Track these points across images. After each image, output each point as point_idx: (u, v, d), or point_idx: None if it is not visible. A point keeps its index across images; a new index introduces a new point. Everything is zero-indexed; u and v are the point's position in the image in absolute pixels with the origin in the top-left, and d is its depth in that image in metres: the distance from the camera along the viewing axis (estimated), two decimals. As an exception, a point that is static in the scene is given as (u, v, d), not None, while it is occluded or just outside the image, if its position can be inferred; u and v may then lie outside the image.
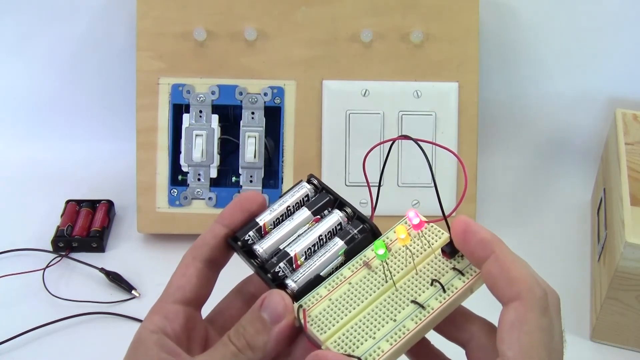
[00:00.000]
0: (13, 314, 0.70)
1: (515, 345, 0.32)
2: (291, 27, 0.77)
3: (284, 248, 0.39)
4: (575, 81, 0.89)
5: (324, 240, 0.39)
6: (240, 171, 0.78)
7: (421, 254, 0.38)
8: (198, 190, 0.78)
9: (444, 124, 0.77)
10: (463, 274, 0.37)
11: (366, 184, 0.40)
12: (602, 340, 0.68)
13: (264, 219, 0.40)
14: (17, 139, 0.93)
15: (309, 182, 0.42)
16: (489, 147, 0.91)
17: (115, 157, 0.91)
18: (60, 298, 0.72)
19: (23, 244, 0.78)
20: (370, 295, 0.37)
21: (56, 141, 0.94)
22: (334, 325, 0.36)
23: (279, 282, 0.38)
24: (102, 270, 0.75)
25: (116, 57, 0.89)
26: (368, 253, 0.39)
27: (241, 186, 0.78)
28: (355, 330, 0.36)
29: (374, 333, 0.35)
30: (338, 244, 0.39)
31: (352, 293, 0.37)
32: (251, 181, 0.78)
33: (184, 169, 0.78)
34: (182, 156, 0.78)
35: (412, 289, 0.37)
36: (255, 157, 0.77)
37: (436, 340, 0.39)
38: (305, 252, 0.39)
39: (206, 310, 0.41)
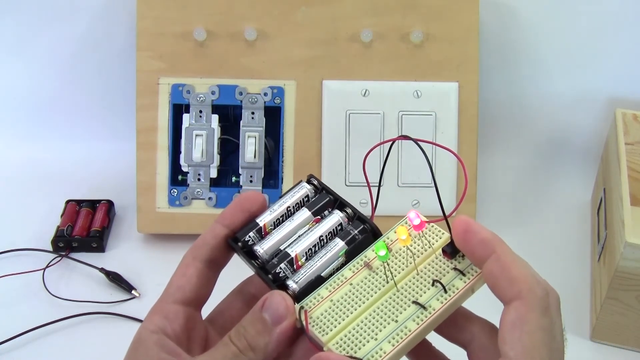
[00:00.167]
0: (13, 314, 0.70)
1: (517, 345, 0.32)
2: (291, 27, 0.77)
3: (284, 249, 0.39)
4: (575, 81, 0.89)
5: (325, 240, 0.39)
6: (240, 171, 0.78)
7: (422, 254, 0.38)
8: (198, 190, 0.78)
9: (444, 124, 0.77)
10: (464, 274, 0.37)
11: (366, 184, 0.40)
12: (602, 340, 0.68)
13: (264, 220, 0.40)
14: (17, 139, 0.93)
15: (308, 182, 0.42)
16: (489, 147, 0.91)
17: (115, 157, 0.91)
18: (60, 298, 0.72)
19: (23, 244, 0.78)
20: (372, 296, 0.37)
21: (56, 141, 0.94)
22: (335, 327, 0.36)
23: (280, 283, 0.38)
24: (102, 270, 0.75)
25: (116, 57, 0.89)
26: (369, 253, 0.39)
27: (241, 186, 0.78)
28: (357, 332, 0.36)
29: (376, 334, 0.35)
30: (339, 244, 0.39)
31: (354, 294, 0.37)
32: (251, 181, 0.78)
33: (184, 169, 0.78)
34: (182, 156, 0.78)
35: (413, 290, 0.37)
36: (255, 157, 0.77)
37: (437, 341, 0.39)
38: (306, 252, 0.39)
39: (207, 310, 0.41)
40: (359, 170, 0.77)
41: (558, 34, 0.87)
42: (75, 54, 0.90)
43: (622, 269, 0.62)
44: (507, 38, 0.87)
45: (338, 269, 0.38)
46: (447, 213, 0.37)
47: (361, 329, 0.36)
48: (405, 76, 0.77)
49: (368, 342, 0.35)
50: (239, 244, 0.39)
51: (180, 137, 0.78)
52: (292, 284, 0.37)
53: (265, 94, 0.77)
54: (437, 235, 0.39)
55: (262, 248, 0.39)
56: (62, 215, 0.81)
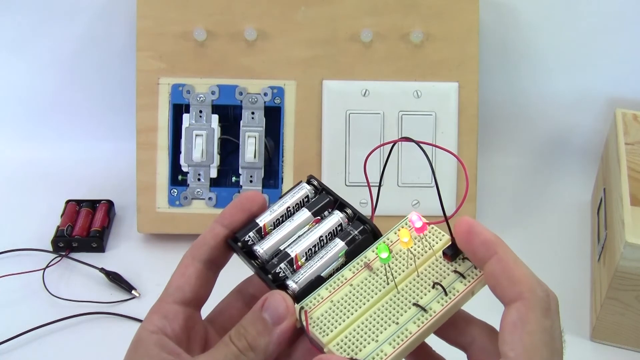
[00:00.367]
0: (13, 314, 0.70)
1: (518, 346, 0.32)
2: (291, 27, 0.77)
3: (284, 249, 0.39)
4: (575, 81, 0.89)
5: (325, 241, 0.39)
6: (240, 171, 0.78)
7: (422, 255, 0.38)
8: (198, 190, 0.78)
9: (444, 124, 0.77)
10: (464, 277, 0.37)
11: (366, 184, 0.40)
12: (602, 340, 0.68)
13: (264, 220, 0.40)
14: (17, 139, 0.93)
15: (308, 182, 0.42)
16: (489, 147, 0.91)
17: (115, 157, 0.91)
18: (60, 298, 0.72)
19: (23, 244, 0.78)
20: (372, 297, 0.37)
21: (56, 141, 0.94)
22: (336, 328, 0.36)
23: (280, 283, 0.38)
24: (102, 270, 0.75)
25: (116, 57, 0.89)
26: (369, 254, 0.39)
27: (241, 186, 0.78)
28: (358, 333, 0.36)
29: (377, 336, 0.35)
30: (339, 245, 0.39)
31: (354, 295, 0.37)
32: (251, 181, 0.78)
33: (184, 169, 0.78)
34: (182, 156, 0.78)
35: (414, 292, 0.37)
36: (255, 157, 0.77)
37: (437, 345, 0.39)
38: (306, 253, 0.39)
39: (206, 310, 0.41)
40: (359, 171, 0.77)
41: (558, 34, 0.87)
42: (75, 54, 0.90)
43: (622, 269, 0.62)
44: (507, 38, 0.87)
45: (338, 269, 0.38)
46: (447, 214, 0.37)
47: (362, 330, 0.36)
48: (405, 76, 0.77)
49: (369, 343, 0.35)
50: (239, 244, 0.39)
51: (180, 137, 0.78)
52: (292, 284, 0.37)
53: (265, 94, 0.77)
54: (437, 237, 0.39)
55: (262, 248, 0.39)
56: (62, 215, 0.81)
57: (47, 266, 0.76)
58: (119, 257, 0.78)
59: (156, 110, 0.77)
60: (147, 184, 0.78)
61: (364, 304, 0.37)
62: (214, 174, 0.78)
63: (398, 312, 0.36)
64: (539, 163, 0.93)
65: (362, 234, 0.39)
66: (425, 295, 0.37)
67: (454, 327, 0.37)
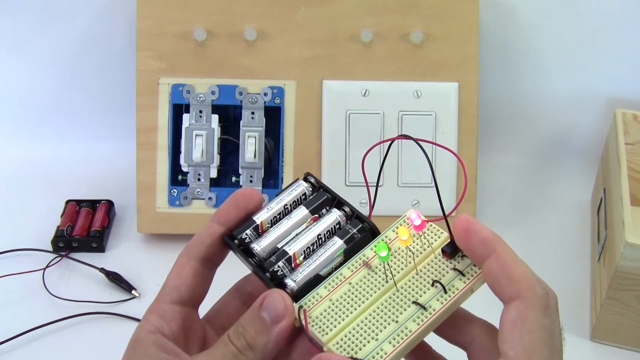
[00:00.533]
0: (13, 314, 0.70)
1: (517, 344, 0.32)
2: (291, 27, 0.77)
3: (282, 247, 0.39)
4: (575, 81, 0.89)
5: (323, 239, 0.39)
6: (240, 171, 0.78)
7: (421, 253, 0.38)
8: (198, 190, 0.78)
9: (444, 124, 0.77)
10: (464, 275, 0.37)
11: (365, 182, 0.40)
12: (602, 340, 0.68)
13: (261, 217, 0.40)
14: (17, 139, 0.93)
15: (305, 180, 0.42)
16: (489, 147, 0.91)
17: (115, 157, 0.91)
18: (60, 298, 0.72)
19: (23, 244, 0.78)
20: (371, 295, 0.37)
21: (56, 141, 0.94)
22: (335, 327, 0.36)
23: (278, 282, 0.37)
24: (102, 270, 0.75)
25: (116, 57, 0.89)
26: (367, 252, 0.39)
27: (241, 186, 0.78)
28: (357, 332, 0.35)
29: (376, 335, 0.35)
30: (337, 243, 0.39)
31: (353, 293, 0.37)
32: (251, 181, 0.78)
33: (184, 169, 0.78)
34: (182, 156, 0.78)
35: (413, 290, 0.37)
36: (255, 157, 0.77)
37: (437, 344, 0.39)
38: (304, 251, 0.38)
39: (204, 309, 0.41)
40: (359, 170, 0.77)
41: (558, 34, 0.87)
42: (75, 54, 0.90)
43: (622, 269, 0.62)
44: (507, 38, 0.87)
45: (336, 267, 0.38)
46: (446, 213, 0.37)
47: (361, 329, 0.36)
48: (405, 76, 0.77)
49: (369, 342, 0.35)
50: (236, 241, 0.39)
51: (180, 137, 0.78)
52: (291, 283, 0.37)
53: (265, 94, 0.77)
54: (436, 235, 0.39)
55: (260, 246, 0.39)
56: (62, 215, 0.81)
57: (47, 266, 0.76)
58: (119, 257, 0.78)
59: (156, 110, 0.77)
60: (147, 184, 0.78)
61: (363, 303, 0.36)
62: (214, 174, 0.78)
63: (397, 311, 0.36)
64: (539, 163, 0.93)
65: (360, 232, 0.39)
66: (425, 293, 0.36)
67: (454, 325, 0.37)
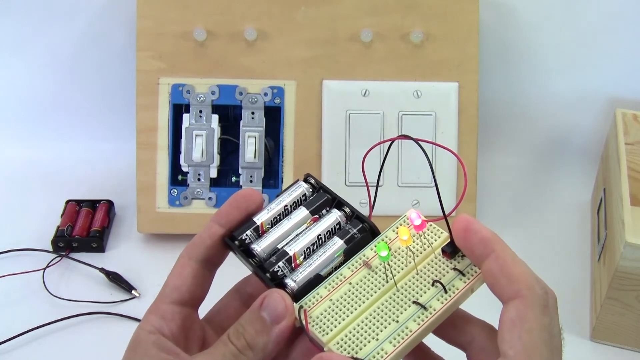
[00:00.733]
0: (13, 314, 0.70)
1: (517, 344, 0.32)
2: (291, 27, 0.77)
3: (282, 247, 0.39)
4: (575, 81, 0.89)
5: (323, 239, 0.39)
6: (240, 171, 0.78)
7: (421, 253, 0.38)
8: (198, 190, 0.78)
9: (444, 124, 0.77)
10: (464, 274, 0.37)
11: (365, 182, 0.40)
12: (602, 340, 0.68)
13: (261, 218, 0.40)
14: (17, 139, 0.93)
15: (306, 181, 0.42)
16: (489, 147, 0.91)
17: (115, 157, 0.91)
18: (60, 298, 0.72)
19: (23, 244, 0.78)
20: (371, 295, 0.37)
21: (56, 141, 0.94)
22: (335, 327, 0.36)
23: (278, 282, 0.37)
24: (102, 270, 0.75)
25: (116, 57, 0.89)
26: (367, 252, 0.38)
27: (241, 186, 0.78)
28: (358, 332, 0.35)
29: (377, 334, 0.35)
30: (337, 243, 0.39)
31: (353, 293, 0.37)
32: (251, 181, 0.78)
33: (184, 169, 0.78)
34: (182, 156, 0.78)
35: (413, 290, 0.37)
36: (255, 157, 0.77)
37: (436, 345, 0.39)
38: (304, 251, 0.38)
39: (204, 309, 0.41)
40: (359, 170, 0.77)
41: (558, 34, 0.87)
42: (75, 54, 0.90)
43: (622, 269, 0.62)
44: (507, 38, 0.87)
45: (336, 267, 0.38)
46: (446, 213, 0.37)
47: (362, 329, 0.36)
48: (405, 76, 0.77)
49: (369, 342, 0.35)
50: (236, 242, 0.39)
51: (180, 137, 0.78)
52: (291, 283, 0.37)
53: (265, 94, 0.77)
54: (436, 235, 0.39)
55: (260, 247, 0.39)
56: (62, 215, 0.81)
57: (47, 266, 0.76)
58: (119, 257, 0.78)
59: (156, 110, 0.77)
60: (147, 184, 0.78)
61: (364, 303, 0.36)
62: (214, 174, 0.78)
63: (398, 310, 0.36)
64: (539, 163, 0.93)
65: (360, 232, 0.39)
66: (425, 293, 0.36)
67: (453, 326, 0.37)
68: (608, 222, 0.71)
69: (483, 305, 0.39)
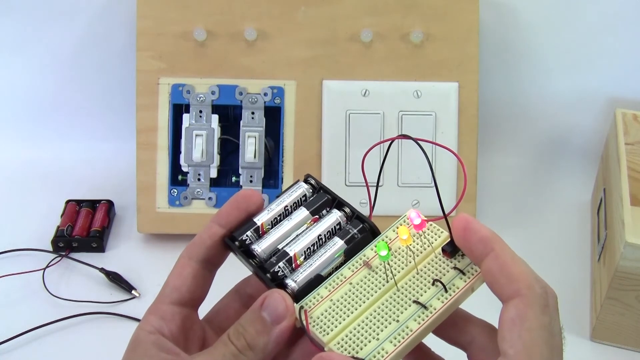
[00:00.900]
0: (13, 314, 0.70)
1: (517, 343, 0.32)
2: (291, 27, 0.77)
3: (282, 248, 0.39)
4: (575, 81, 0.89)
5: (324, 239, 0.39)
6: (240, 171, 0.78)
7: (421, 253, 0.38)
8: (198, 190, 0.78)
9: (444, 124, 0.77)
10: (464, 274, 0.37)
11: (365, 183, 0.40)
12: (602, 340, 0.68)
13: (261, 219, 0.40)
14: (17, 139, 0.93)
15: (306, 181, 0.42)
16: (489, 147, 0.91)
17: (115, 157, 0.91)
18: (60, 298, 0.72)
19: (23, 244, 0.78)
20: (372, 295, 0.37)
21: (56, 141, 0.94)
22: (336, 327, 0.36)
23: (279, 282, 0.37)
24: (102, 270, 0.75)
25: (116, 57, 0.89)
26: (367, 252, 0.39)
27: (241, 186, 0.78)
28: (359, 332, 0.35)
29: (377, 334, 0.35)
30: (338, 243, 0.39)
31: (353, 293, 0.37)
32: (251, 181, 0.78)
33: (184, 169, 0.78)
34: (182, 156, 0.78)
35: (414, 289, 0.37)
36: (255, 157, 0.77)
37: (436, 345, 0.39)
38: (304, 251, 0.38)
39: (203, 310, 0.41)
40: (359, 171, 0.77)
41: (558, 34, 0.87)
42: (75, 54, 0.90)
43: (622, 269, 0.62)
44: (507, 38, 0.87)
45: (337, 268, 0.38)
46: (446, 212, 0.37)
47: (362, 328, 0.36)
48: (405, 76, 0.77)
49: (369, 342, 0.35)
50: (236, 243, 0.39)
51: (180, 137, 0.78)
52: (291, 283, 0.37)
53: (265, 94, 0.77)
54: (436, 234, 0.39)
55: (260, 247, 0.39)
56: (62, 215, 0.81)
57: (47, 266, 0.76)
58: (119, 257, 0.78)
59: (156, 110, 0.77)
60: (147, 184, 0.78)
61: (364, 302, 0.36)
62: (214, 174, 0.78)
63: (398, 310, 0.36)
64: (539, 163, 0.93)
65: (361, 232, 0.39)
66: (425, 292, 0.36)
67: (454, 326, 0.37)
68: (608, 222, 0.71)
69: (483, 305, 0.39)
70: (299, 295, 0.37)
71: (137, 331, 0.37)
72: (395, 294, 0.37)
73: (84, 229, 0.79)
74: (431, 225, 0.39)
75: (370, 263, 0.38)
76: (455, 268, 0.37)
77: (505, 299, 0.34)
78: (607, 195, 0.75)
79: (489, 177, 0.89)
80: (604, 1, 0.84)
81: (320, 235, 0.39)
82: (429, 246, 0.38)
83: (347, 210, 0.40)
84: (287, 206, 0.41)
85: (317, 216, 0.40)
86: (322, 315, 0.36)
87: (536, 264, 0.37)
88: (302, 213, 0.40)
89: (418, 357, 0.39)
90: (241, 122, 0.78)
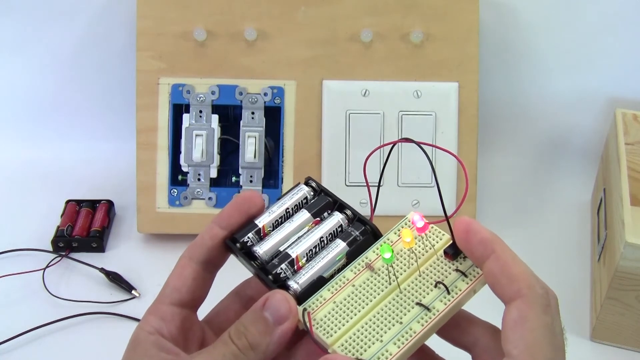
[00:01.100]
0: (13, 314, 0.70)
1: (520, 343, 0.32)
2: (291, 27, 0.77)
3: (284, 250, 0.39)
4: (575, 81, 0.89)
5: (325, 242, 0.39)
6: (240, 171, 0.78)
7: (423, 255, 0.38)
8: (198, 190, 0.78)
9: (444, 124, 0.77)
10: (466, 275, 0.37)
11: (366, 185, 0.40)
12: (602, 340, 0.68)
13: (263, 221, 0.40)
14: (17, 139, 0.93)
15: (307, 184, 0.42)
16: (489, 147, 0.91)
17: (115, 157, 0.91)
18: (60, 298, 0.72)
19: (23, 244, 0.78)
20: (375, 297, 0.37)
21: (56, 141, 0.94)
22: (339, 329, 0.36)
23: (281, 284, 0.37)
24: (102, 270, 0.75)
25: (116, 57, 0.89)
26: (370, 255, 0.39)
27: (241, 186, 0.78)
28: (362, 334, 0.35)
29: (381, 336, 0.35)
30: (340, 245, 0.39)
31: (356, 295, 0.37)
32: (251, 181, 0.78)
33: (184, 169, 0.78)
34: (182, 156, 0.78)
35: (416, 291, 0.37)
36: (255, 157, 0.77)
37: (440, 349, 0.39)
38: (306, 253, 0.38)
39: (203, 311, 0.41)
40: (359, 171, 0.77)
41: (558, 34, 0.87)
42: (75, 54, 0.90)
43: (622, 269, 0.62)
44: (507, 38, 0.87)
45: (339, 270, 0.38)
46: (448, 214, 0.37)
47: (366, 330, 0.36)
48: (405, 76, 0.77)
49: (373, 344, 0.35)
50: (238, 245, 0.39)
51: (180, 137, 0.78)
52: (294, 285, 0.37)
53: (265, 94, 0.77)
54: (437, 237, 0.39)
55: (262, 249, 0.39)
56: (62, 215, 0.81)
57: (47, 266, 0.76)
58: (119, 257, 0.78)
59: (156, 110, 0.77)
60: (147, 184, 0.78)
61: (367, 305, 0.36)
62: (214, 174, 0.78)
63: (401, 312, 0.36)
64: (539, 163, 0.93)
65: (363, 234, 0.39)
66: (428, 294, 0.37)
67: (457, 327, 0.37)
68: (608, 222, 0.71)
69: (485, 308, 0.39)
70: (301, 297, 0.37)
71: (137, 331, 0.36)
72: (398, 296, 0.37)
73: (84, 229, 0.79)
74: (432, 227, 0.39)
75: (373, 265, 0.38)
76: (457, 270, 0.37)
77: (507, 300, 0.34)
78: (607, 195, 0.75)
79: (489, 177, 0.89)
80: (604, 1, 0.84)
81: (322, 237, 0.39)
82: (430, 248, 0.38)
83: (348, 212, 0.40)
84: (288, 208, 0.41)
85: (318, 218, 0.40)
86: (325, 317, 0.36)
87: (536, 264, 0.37)
88: (304, 215, 0.40)
89: (422, 359, 0.39)
90: (241, 122, 0.78)
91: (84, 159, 0.92)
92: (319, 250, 0.39)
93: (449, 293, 0.36)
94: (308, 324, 0.36)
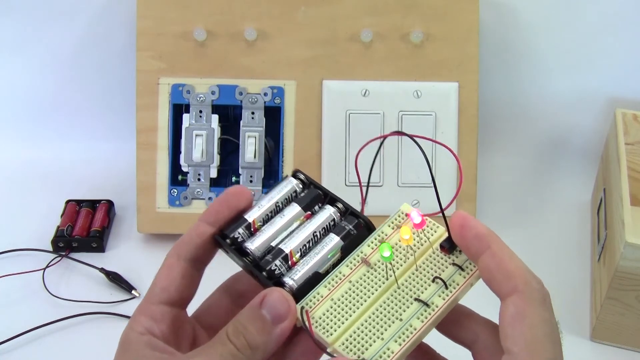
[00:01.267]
0: (13, 314, 0.70)
1: (520, 340, 0.32)
2: (291, 27, 0.77)
3: (277, 245, 0.38)
4: (575, 81, 0.89)
5: (319, 236, 0.38)
6: (240, 171, 0.78)
7: (419, 249, 0.38)
8: (198, 190, 0.78)
9: (444, 124, 0.77)
10: (463, 269, 0.37)
11: (357, 178, 0.40)
12: (602, 340, 0.68)
13: (252, 216, 0.39)
14: (17, 139, 0.93)
15: (295, 176, 0.41)
16: (489, 147, 0.91)
17: (115, 157, 0.91)
18: (60, 298, 0.72)
19: (23, 244, 0.78)
20: (373, 293, 0.36)
21: (56, 141, 0.94)
22: (339, 327, 0.35)
23: (276, 280, 0.37)
24: (102, 270, 0.75)
25: (116, 57, 0.89)
26: (364, 249, 0.38)
27: (241, 186, 0.78)
28: (362, 331, 0.35)
29: (382, 333, 0.35)
30: (334, 239, 0.38)
31: (354, 292, 0.36)
32: (251, 181, 0.78)
33: (184, 169, 0.78)
34: (182, 156, 0.78)
35: (414, 287, 0.37)
36: (255, 157, 0.77)
37: (440, 347, 0.39)
38: (300, 249, 0.38)
39: (191, 307, 0.40)
40: (360, 171, 0.77)
41: (558, 34, 0.87)
42: (75, 54, 0.90)
43: (622, 269, 0.62)
44: (507, 38, 0.87)
45: (334, 265, 0.38)
46: (444, 208, 0.37)
47: (366, 328, 0.35)
48: (405, 76, 0.77)
49: (374, 341, 0.35)
50: (227, 240, 0.38)
51: (180, 137, 0.78)
52: (289, 281, 0.36)
53: (265, 94, 0.77)
54: (432, 229, 0.39)
55: (254, 245, 0.38)
56: (62, 215, 0.81)
57: (47, 266, 0.76)
58: (119, 257, 0.78)
59: (156, 110, 0.77)
60: (147, 184, 0.78)
61: (365, 301, 0.36)
62: (214, 174, 0.78)
63: (400, 308, 0.36)
64: (539, 163, 0.93)
65: (356, 228, 0.38)
66: (426, 289, 0.36)
67: (457, 324, 0.37)
68: (608, 222, 0.71)
69: (481, 302, 0.39)
70: (297, 294, 0.36)
71: (127, 332, 0.36)
72: (396, 292, 0.36)
73: (84, 229, 0.79)
74: (427, 219, 0.39)
75: (369, 260, 0.38)
76: (454, 264, 0.37)
77: (503, 295, 0.34)
78: (607, 195, 0.75)
79: (489, 177, 0.89)
80: (604, 1, 0.84)
81: (315, 231, 0.38)
82: (426, 241, 0.38)
83: (340, 205, 0.39)
84: (278, 202, 0.40)
85: (309, 212, 0.39)
86: (324, 315, 0.36)
87: (536, 264, 0.37)
88: (295, 209, 0.39)
89: (421, 357, 0.39)
90: (241, 122, 0.78)
91: (84, 159, 0.92)
92: (313, 245, 0.38)
93: (447, 288, 0.36)
94: (307, 323, 0.35)
